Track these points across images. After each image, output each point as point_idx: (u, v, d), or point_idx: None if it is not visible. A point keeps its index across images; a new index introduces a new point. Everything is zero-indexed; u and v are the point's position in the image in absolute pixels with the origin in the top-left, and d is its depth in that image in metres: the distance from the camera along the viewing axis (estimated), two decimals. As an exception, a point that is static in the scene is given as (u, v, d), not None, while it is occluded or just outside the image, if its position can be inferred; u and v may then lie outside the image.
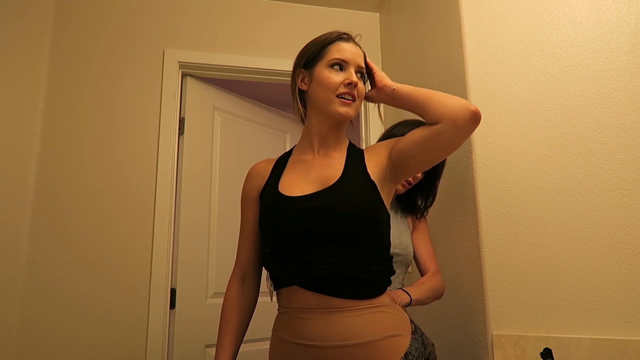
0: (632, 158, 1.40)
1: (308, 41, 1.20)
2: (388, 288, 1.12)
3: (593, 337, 1.33)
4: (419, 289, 1.36)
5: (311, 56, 1.15)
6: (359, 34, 1.21)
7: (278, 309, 1.13)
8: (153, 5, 2.28)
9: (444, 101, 1.04)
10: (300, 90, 1.18)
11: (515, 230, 1.48)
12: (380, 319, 1.03)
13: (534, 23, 1.58)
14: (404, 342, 1.04)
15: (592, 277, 1.38)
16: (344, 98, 1.10)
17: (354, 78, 1.11)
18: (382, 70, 2.49)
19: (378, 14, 2.60)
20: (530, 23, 1.58)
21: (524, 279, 1.44)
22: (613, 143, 1.43)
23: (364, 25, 2.56)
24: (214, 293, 2.22)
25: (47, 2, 2.11)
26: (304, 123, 1.21)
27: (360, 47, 1.18)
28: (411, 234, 1.55)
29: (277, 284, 1.11)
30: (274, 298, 1.15)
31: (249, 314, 1.21)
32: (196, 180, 2.28)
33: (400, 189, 1.51)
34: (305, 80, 1.16)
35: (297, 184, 1.12)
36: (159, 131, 2.15)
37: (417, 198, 1.56)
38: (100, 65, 2.15)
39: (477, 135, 1.55)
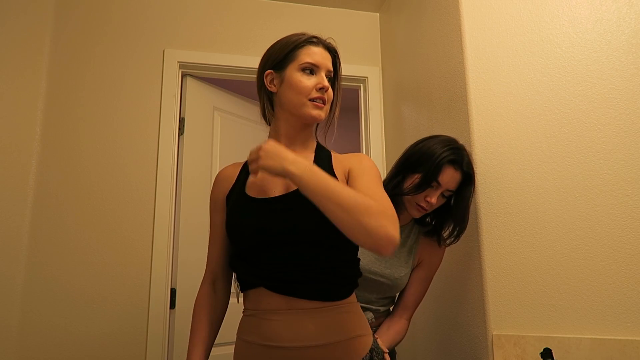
0: (632, 158, 1.40)
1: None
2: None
3: (593, 337, 1.33)
4: (387, 336, 1.33)
5: (280, 58, 1.15)
6: (331, 37, 1.19)
7: (244, 312, 1.12)
8: (153, 6, 2.27)
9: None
10: (268, 91, 1.18)
11: (515, 230, 1.48)
12: (347, 320, 1.05)
13: (534, 23, 1.58)
14: (368, 340, 1.08)
15: (592, 277, 1.38)
16: (315, 102, 1.11)
17: (326, 83, 1.12)
18: (382, 70, 2.49)
19: (378, 14, 2.59)
20: (530, 23, 1.58)
21: (524, 279, 1.44)
22: (613, 143, 1.43)
23: (364, 25, 2.56)
24: (214, 293, 2.22)
25: (47, 2, 2.10)
26: (268, 123, 1.21)
27: (331, 50, 1.18)
28: (415, 267, 1.45)
29: (244, 286, 1.11)
30: (241, 300, 1.14)
31: (221, 314, 1.21)
32: (196, 180, 2.28)
33: (415, 213, 1.38)
34: (275, 82, 1.16)
35: (263, 186, 1.12)
36: (159, 131, 2.15)
37: (446, 225, 1.43)
38: (100, 65, 2.15)
39: (477, 135, 1.55)
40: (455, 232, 1.40)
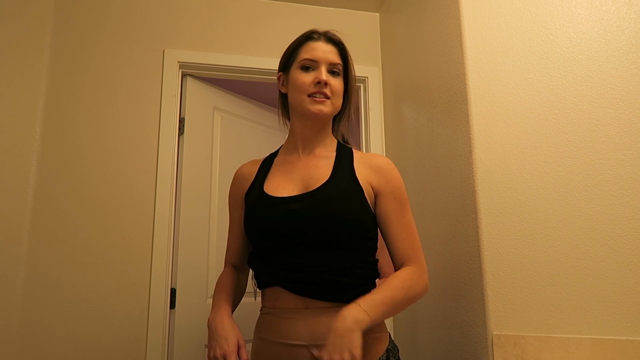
0: (632, 158, 1.40)
1: None
2: None
3: (593, 337, 1.33)
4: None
5: (285, 59, 1.18)
6: (334, 29, 1.18)
7: (261, 310, 1.14)
8: (153, 5, 2.28)
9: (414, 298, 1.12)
10: (282, 93, 1.20)
11: (515, 230, 1.48)
12: None
13: (534, 23, 1.58)
14: (385, 340, 1.09)
15: (592, 277, 1.38)
16: (314, 97, 1.11)
17: (323, 76, 1.11)
18: (382, 70, 2.49)
19: (378, 14, 2.59)
20: (530, 23, 1.58)
21: (524, 279, 1.44)
22: (613, 143, 1.43)
23: (364, 25, 2.56)
24: (214, 293, 2.23)
25: (47, 2, 2.10)
26: (286, 125, 1.24)
27: (335, 42, 1.17)
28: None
29: (262, 284, 1.12)
30: (258, 299, 1.16)
31: (241, 290, 1.24)
32: (196, 180, 2.28)
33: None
34: (285, 83, 1.18)
35: (281, 185, 1.13)
36: (159, 131, 2.15)
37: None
38: (100, 65, 2.15)
39: (477, 135, 1.55)
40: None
